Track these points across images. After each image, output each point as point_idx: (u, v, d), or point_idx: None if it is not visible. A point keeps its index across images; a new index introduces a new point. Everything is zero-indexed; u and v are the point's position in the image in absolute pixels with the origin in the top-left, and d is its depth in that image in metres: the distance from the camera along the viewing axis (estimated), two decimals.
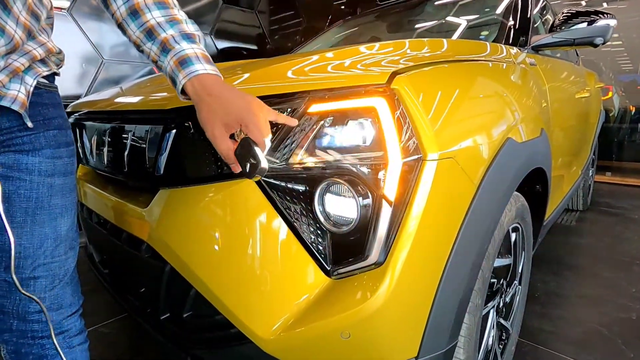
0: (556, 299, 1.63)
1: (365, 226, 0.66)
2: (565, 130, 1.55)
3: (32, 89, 0.58)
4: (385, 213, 0.65)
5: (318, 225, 0.69)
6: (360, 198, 0.65)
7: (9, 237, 0.56)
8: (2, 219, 0.56)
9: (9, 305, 0.62)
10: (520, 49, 1.31)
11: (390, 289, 0.65)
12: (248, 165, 0.59)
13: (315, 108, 0.68)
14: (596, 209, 2.94)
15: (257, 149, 0.58)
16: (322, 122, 0.68)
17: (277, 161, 0.68)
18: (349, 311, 0.65)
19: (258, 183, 0.70)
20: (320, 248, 0.69)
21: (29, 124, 0.57)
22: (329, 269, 0.69)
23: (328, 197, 0.69)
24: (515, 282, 1.18)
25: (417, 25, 1.97)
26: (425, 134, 0.65)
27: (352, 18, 2.40)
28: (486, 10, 1.66)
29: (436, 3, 1.90)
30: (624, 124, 4.63)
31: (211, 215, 0.72)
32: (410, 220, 0.65)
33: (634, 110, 4.63)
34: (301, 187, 0.70)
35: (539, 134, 1.04)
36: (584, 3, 5.00)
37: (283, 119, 0.64)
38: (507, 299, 1.14)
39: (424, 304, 0.69)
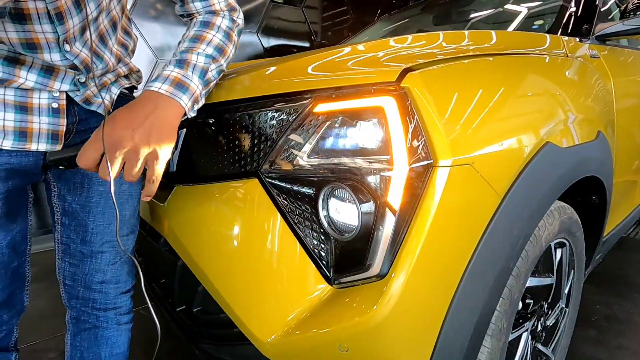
0: (617, 325, 1.42)
1: (367, 235, 0.61)
2: (635, 131, 1.34)
3: (115, 97, 0.71)
4: (389, 222, 0.60)
5: (321, 230, 0.66)
6: (362, 204, 0.60)
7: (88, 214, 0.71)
8: (88, 200, 0.71)
9: (79, 273, 0.73)
10: (580, 40, 1.15)
11: (392, 303, 0.60)
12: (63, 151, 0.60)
13: (320, 108, 0.65)
14: None
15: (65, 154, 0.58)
16: (327, 122, 0.64)
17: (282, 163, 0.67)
18: (347, 323, 0.61)
19: (262, 184, 0.69)
20: (323, 254, 0.66)
21: None
22: (330, 277, 0.66)
23: (332, 201, 0.65)
24: (560, 303, 1.04)
25: (466, 17, 1.83)
26: (437, 137, 0.59)
27: (398, 11, 2.30)
28: None
29: None
30: None
31: (216, 214, 0.73)
32: (417, 231, 0.59)
33: None
34: (305, 190, 0.67)
35: (594, 137, 0.90)
36: None
37: (151, 188, 0.61)
38: (549, 323, 1.01)
39: (433, 323, 0.63)
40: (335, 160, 0.64)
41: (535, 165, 0.69)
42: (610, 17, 1.50)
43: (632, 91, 1.32)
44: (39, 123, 0.61)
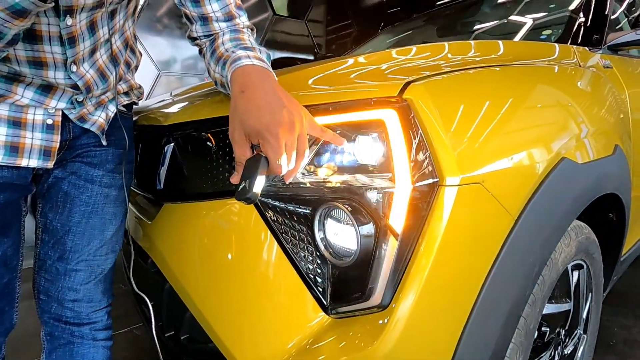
0: (638, 350, 1.33)
1: (367, 260, 0.56)
2: None
3: (112, 114, 0.70)
4: (391, 246, 0.54)
5: (318, 254, 0.61)
6: (362, 227, 0.55)
7: (68, 233, 0.69)
8: (69, 220, 0.69)
9: (53, 290, 0.72)
10: (591, 49, 1.10)
11: (394, 338, 0.54)
12: (242, 185, 0.51)
13: (317, 121, 0.60)
14: None
15: (259, 176, 0.50)
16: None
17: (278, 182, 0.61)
18: (346, 359, 0.55)
19: (255, 202, 0.64)
20: (319, 280, 0.61)
21: (104, 143, 0.69)
22: (327, 305, 0.60)
23: (329, 222, 0.60)
24: (579, 330, 0.97)
25: (471, 28, 1.80)
26: (443, 153, 0.54)
27: (402, 22, 2.28)
28: (552, 5, 1.45)
29: (490, 3, 1.71)
30: None
31: (205, 234, 0.68)
32: (421, 257, 0.53)
33: None
34: (300, 210, 0.62)
35: (612, 152, 0.85)
36: None
37: (329, 136, 0.55)
38: (567, 351, 0.94)
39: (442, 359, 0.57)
40: (333, 178, 0.59)
41: (551, 182, 0.64)
42: (618, 26, 1.46)
43: None
44: (32, 139, 0.59)
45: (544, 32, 1.31)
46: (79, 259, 0.71)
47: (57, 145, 0.62)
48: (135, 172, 0.81)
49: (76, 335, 0.74)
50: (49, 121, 0.61)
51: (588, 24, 1.18)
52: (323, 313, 0.60)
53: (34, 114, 0.60)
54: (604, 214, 1.02)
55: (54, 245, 0.71)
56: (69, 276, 0.71)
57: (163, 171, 0.72)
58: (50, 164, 0.63)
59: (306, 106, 0.59)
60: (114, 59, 0.67)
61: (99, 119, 0.68)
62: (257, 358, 0.62)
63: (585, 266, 0.91)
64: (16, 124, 0.58)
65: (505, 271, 0.58)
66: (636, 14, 1.72)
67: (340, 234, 0.58)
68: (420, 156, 0.54)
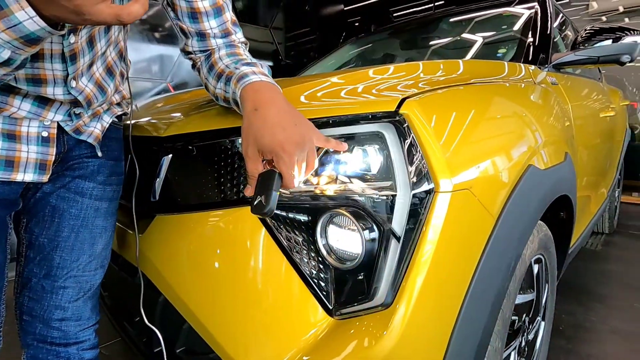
0: (584, 334, 1.50)
1: (371, 263, 0.60)
2: (590, 151, 1.46)
3: (107, 125, 0.70)
4: (393, 249, 0.59)
5: (320, 259, 0.64)
6: (366, 232, 0.59)
7: (55, 249, 0.66)
8: (57, 235, 0.66)
9: (37, 309, 0.68)
10: (540, 67, 1.24)
11: (398, 333, 0.58)
12: (258, 199, 0.54)
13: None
14: (624, 232, 2.77)
15: (274, 192, 0.53)
16: (325, 148, 0.63)
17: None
18: (353, 357, 0.59)
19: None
20: (323, 285, 0.64)
21: (99, 154, 0.68)
22: (331, 308, 0.63)
23: (331, 229, 0.63)
24: (539, 317, 1.08)
25: (432, 43, 1.93)
26: (438, 163, 0.60)
27: (365, 35, 2.38)
28: (504, 27, 1.61)
29: (452, 20, 1.85)
30: None
31: (206, 245, 0.68)
32: (420, 258, 0.58)
33: None
34: (303, 218, 0.65)
35: (563, 159, 0.97)
36: (604, 19, 4.88)
37: (333, 144, 0.59)
38: (530, 337, 1.05)
39: (437, 351, 0.62)
40: (335, 187, 0.63)
41: (522, 187, 0.72)
42: (557, 48, 1.65)
43: (584, 114, 1.45)
44: (27, 152, 0.57)
45: (499, 51, 1.45)
46: (67, 275, 0.68)
47: (53, 158, 0.61)
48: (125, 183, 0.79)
49: (62, 357, 0.71)
50: (44, 134, 0.59)
51: (536, 44, 1.33)
52: (326, 316, 0.63)
53: (29, 126, 0.58)
54: (556, 213, 1.15)
55: (40, 262, 0.67)
56: (56, 294, 0.68)
57: (159, 183, 0.71)
58: (45, 178, 0.61)
59: (309, 119, 0.63)
60: (110, 71, 0.66)
61: (95, 130, 0.66)
62: None
63: (543, 260, 1.02)
64: (10, 137, 0.56)
65: (489, 267, 0.65)
66: (570, 36, 1.96)
67: (344, 239, 0.62)
68: (417, 165, 0.59)
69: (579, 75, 1.67)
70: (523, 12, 1.55)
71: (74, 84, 0.57)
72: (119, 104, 0.74)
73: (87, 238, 0.70)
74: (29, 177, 0.59)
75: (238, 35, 0.71)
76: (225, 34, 0.69)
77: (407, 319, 0.58)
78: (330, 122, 0.63)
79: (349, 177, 0.62)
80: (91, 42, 0.58)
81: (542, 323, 1.14)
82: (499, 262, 0.68)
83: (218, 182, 0.68)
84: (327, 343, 0.62)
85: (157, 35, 3.12)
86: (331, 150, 0.62)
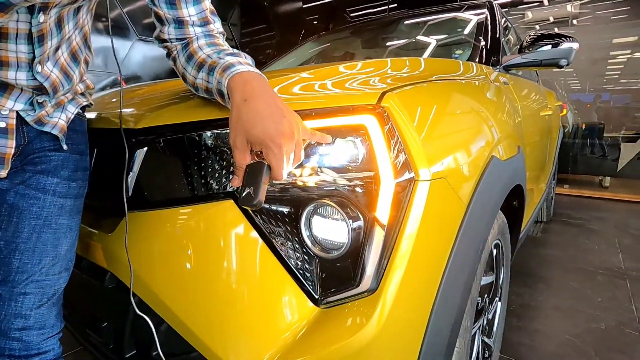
0: (531, 312, 1.65)
1: (356, 251, 0.62)
2: (534, 146, 1.60)
3: (73, 116, 0.65)
4: (378, 237, 0.61)
5: (305, 250, 0.65)
6: (351, 221, 0.61)
7: (14, 252, 0.60)
8: (15, 236, 0.60)
9: None
10: (493, 68, 1.34)
11: (384, 317, 0.61)
12: (246, 191, 0.53)
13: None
14: (559, 220, 3.08)
15: (263, 183, 0.53)
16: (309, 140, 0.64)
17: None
18: (341, 343, 0.60)
19: (239, 205, 0.65)
20: (308, 275, 0.65)
21: (64, 147, 0.63)
22: (317, 297, 0.64)
23: (316, 219, 0.64)
24: (497, 298, 1.17)
25: (391, 43, 2.00)
26: (417, 153, 0.63)
27: (326, 33, 2.41)
28: (459, 30, 1.71)
29: (411, 22, 1.94)
30: (577, 139, 4.96)
31: (187, 240, 0.66)
32: (403, 244, 0.61)
33: (584, 127, 4.98)
34: (287, 210, 0.65)
35: (517, 152, 1.06)
36: (537, 27, 5.37)
37: (317, 137, 0.60)
38: (490, 316, 1.13)
39: (418, 331, 0.66)
40: (319, 178, 0.64)
41: (487, 177, 0.78)
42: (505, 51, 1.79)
43: (530, 113, 1.59)
44: None
45: (456, 52, 1.55)
46: (29, 280, 0.63)
47: (12, 151, 0.56)
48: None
49: None
50: (2, 124, 0.54)
51: (488, 47, 1.44)
52: (312, 305, 0.64)
53: None
54: (509, 202, 1.25)
55: None
56: (15, 301, 0.62)
57: (133, 177, 0.68)
58: (3, 173, 0.56)
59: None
60: (74, 57, 0.61)
61: (59, 121, 0.62)
62: (248, 357, 0.63)
63: (501, 245, 1.11)
64: None
65: (461, 251, 0.70)
66: (512, 40, 2.13)
67: (329, 229, 0.63)
68: (398, 155, 0.62)
69: (522, 77, 1.83)
70: (475, 17, 1.67)
71: (39, 68, 0.53)
72: (82, 94, 0.69)
73: (50, 239, 0.64)
74: None
75: (217, 25, 0.70)
76: (204, 22, 0.67)
77: (392, 302, 0.61)
78: (314, 113, 0.64)
79: (334, 167, 0.63)
80: (59, 24, 0.54)
81: (499, 303, 1.24)
82: (470, 247, 0.74)
83: (198, 176, 0.66)
84: (314, 332, 0.63)
85: (100, 26, 2.90)
86: (313, 142, 0.63)
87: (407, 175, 0.62)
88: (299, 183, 0.64)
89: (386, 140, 0.62)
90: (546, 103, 2.24)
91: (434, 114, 0.71)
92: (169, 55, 0.70)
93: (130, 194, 0.68)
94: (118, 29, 2.82)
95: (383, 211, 0.61)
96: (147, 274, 0.67)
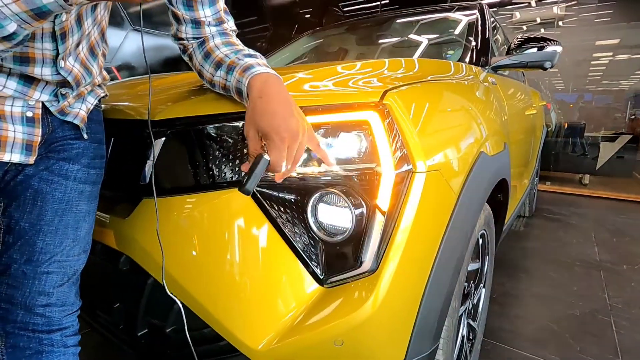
0: (512, 300, 1.76)
1: (359, 235, 0.68)
2: (519, 144, 1.69)
3: (92, 107, 0.69)
4: (379, 222, 0.67)
5: (311, 234, 0.70)
6: (355, 208, 0.67)
7: (38, 233, 0.64)
8: (40, 219, 0.64)
9: (18, 296, 0.66)
10: (482, 69, 1.42)
11: (382, 295, 0.67)
12: (245, 179, 0.58)
13: (310, 120, 0.69)
14: (540, 215, 3.21)
15: (256, 172, 0.57)
16: (317, 133, 0.69)
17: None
18: (343, 318, 0.66)
19: (254, 194, 0.70)
20: (314, 257, 0.71)
21: (85, 136, 0.67)
22: (321, 277, 0.70)
23: (322, 207, 0.70)
24: (482, 285, 1.26)
25: (384, 40, 2.06)
26: (414, 147, 0.69)
27: (321, 29, 2.45)
28: (450, 30, 1.78)
29: (400, 21, 2.00)
30: (560, 138, 5.14)
31: (200, 225, 0.71)
32: (401, 229, 0.68)
33: (567, 126, 5.17)
34: (295, 197, 0.71)
35: (503, 148, 1.14)
36: (525, 28, 5.51)
37: (322, 153, 0.65)
38: (475, 301, 1.22)
39: (412, 309, 0.73)
40: (325, 169, 0.70)
41: (476, 170, 0.85)
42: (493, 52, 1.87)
43: (516, 112, 1.67)
44: (14, 132, 0.56)
45: (448, 52, 1.62)
46: (51, 260, 0.67)
47: (39, 139, 0.60)
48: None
49: (45, 344, 0.69)
50: (29, 114, 0.58)
51: (478, 48, 1.51)
52: (317, 285, 0.70)
53: (12, 105, 0.56)
54: (494, 195, 1.33)
55: (21, 247, 0.65)
56: (39, 279, 0.66)
57: (150, 166, 0.72)
58: (32, 160, 0.59)
59: (301, 107, 0.68)
60: (92, 51, 0.65)
61: (80, 112, 0.66)
62: (256, 333, 0.69)
63: (486, 235, 1.20)
64: None
65: (451, 237, 0.77)
66: (500, 40, 2.22)
67: (334, 216, 0.69)
68: (398, 149, 0.68)
69: (509, 77, 1.91)
70: (466, 18, 1.74)
71: (62, 64, 0.57)
72: (99, 86, 0.73)
73: (70, 222, 0.68)
74: (15, 157, 0.58)
75: (230, 24, 0.74)
76: (219, 22, 0.72)
77: (390, 281, 0.67)
78: (321, 109, 0.70)
79: (339, 159, 0.69)
80: (79, 21, 0.58)
81: (483, 290, 1.32)
82: (459, 234, 0.81)
83: (214, 164, 0.71)
84: (318, 309, 0.69)
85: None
86: (321, 136, 0.69)
87: (405, 167, 0.68)
88: (308, 173, 0.70)
89: (387, 134, 0.68)
90: (531, 102, 2.34)
91: (429, 111, 0.77)
92: (184, 52, 0.75)
93: (147, 181, 0.73)
94: (111, 18, 2.80)
95: (383, 199, 0.67)
96: (160, 255, 0.72)
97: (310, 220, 0.70)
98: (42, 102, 0.59)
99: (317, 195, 0.70)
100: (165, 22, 2.82)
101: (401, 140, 0.69)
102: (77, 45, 0.60)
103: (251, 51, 0.71)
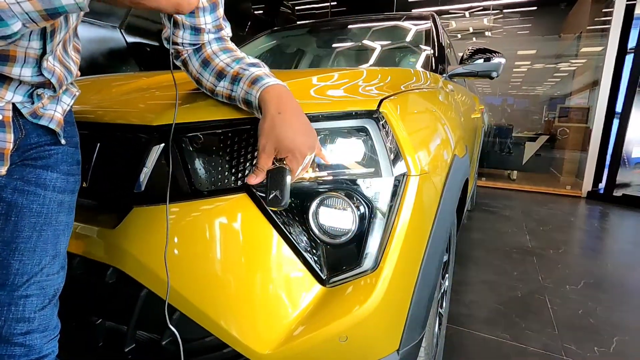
0: (466, 287, 1.93)
1: (360, 236, 0.72)
2: (470, 145, 1.86)
3: (68, 108, 0.63)
4: (379, 223, 0.72)
5: (314, 237, 0.73)
6: (357, 210, 0.71)
7: (14, 252, 0.57)
8: (15, 236, 0.57)
9: None
10: (440, 76, 1.54)
11: (382, 291, 0.72)
12: (272, 194, 0.61)
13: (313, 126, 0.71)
14: (480, 208, 3.54)
15: (286, 185, 0.61)
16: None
17: None
18: (348, 315, 0.70)
19: (253, 198, 0.70)
20: (316, 259, 0.73)
21: (62, 141, 0.61)
22: (324, 278, 0.73)
23: (323, 210, 0.73)
24: (447, 275, 1.37)
25: (342, 44, 2.13)
26: (408, 152, 0.75)
27: (281, 29, 2.45)
28: (407, 39, 1.89)
29: (357, 26, 2.08)
30: (490, 138, 5.70)
31: (200, 231, 0.70)
32: (398, 229, 0.73)
33: (495, 127, 5.75)
34: (297, 201, 0.72)
35: (465, 151, 1.25)
36: (459, 36, 6.00)
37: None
38: (442, 290, 1.33)
39: (406, 302, 0.78)
40: (326, 173, 0.72)
41: (453, 172, 0.94)
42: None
43: (467, 116, 1.84)
44: None
45: (411, 60, 1.72)
46: (30, 282, 0.60)
47: (11, 145, 0.53)
48: (85, 174, 0.72)
49: None
50: None
51: (436, 57, 1.64)
52: (319, 286, 0.73)
53: None
54: None
55: None
56: (16, 305, 0.59)
57: (146, 173, 0.69)
58: (3, 170, 0.52)
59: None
60: (65, 47, 0.59)
61: (55, 114, 0.59)
62: (261, 337, 0.70)
63: (452, 229, 1.31)
64: None
65: (437, 232, 0.84)
66: (462, 56, 2.40)
67: (336, 218, 0.72)
68: (395, 154, 0.73)
69: (457, 83, 2.09)
70: (423, 27, 1.86)
71: (45, 64, 0.51)
72: (72, 84, 0.66)
73: (50, 237, 0.62)
74: None
75: (227, 30, 0.73)
76: (218, 29, 0.70)
77: (389, 278, 0.72)
78: (321, 117, 0.72)
79: (340, 164, 0.72)
80: (66, 17, 0.53)
81: (447, 280, 1.44)
82: (442, 230, 0.88)
83: (215, 171, 0.70)
84: (322, 309, 0.72)
85: None
86: (321, 143, 0.71)
87: (401, 171, 0.74)
88: (311, 178, 0.72)
89: (384, 140, 0.72)
90: (475, 106, 2.57)
91: (417, 118, 0.83)
92: (177, 57, 0.72)
93: (142, 189, 0.70)
94: None
95: (383, 202, 0.72)
96: (157, 266, 0.70)
97: (312, 223, 0.72)
98: (13, 104, 0.53)
99: (320, 198, 0.72)
100: (108, 13, 2.61)
101: (397, 145, 0.74)
102: (59, 42, 0.55)
103: (253, 59, 0.71)
